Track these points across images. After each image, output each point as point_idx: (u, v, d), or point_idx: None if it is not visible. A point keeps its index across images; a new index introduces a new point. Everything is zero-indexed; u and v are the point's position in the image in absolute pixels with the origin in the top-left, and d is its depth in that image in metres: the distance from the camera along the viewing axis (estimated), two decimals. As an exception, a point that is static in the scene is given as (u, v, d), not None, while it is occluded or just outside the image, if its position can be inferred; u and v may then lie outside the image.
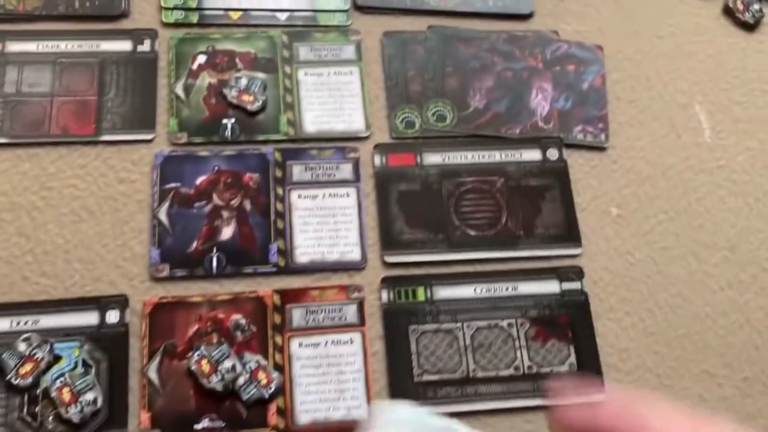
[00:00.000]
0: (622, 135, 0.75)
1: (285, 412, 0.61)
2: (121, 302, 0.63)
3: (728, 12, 0.83)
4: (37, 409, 0.59)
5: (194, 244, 0.66)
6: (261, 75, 0.73)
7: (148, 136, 0.69)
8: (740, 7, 0.82)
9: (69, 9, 0.73)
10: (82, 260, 0.65)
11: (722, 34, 0.82)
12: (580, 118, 0.75)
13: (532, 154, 0.73)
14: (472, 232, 0.69)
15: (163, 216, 0.66)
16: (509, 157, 0.73)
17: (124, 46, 0.73)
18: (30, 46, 0.72)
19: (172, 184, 0.68)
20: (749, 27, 0.82)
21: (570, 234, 0.70)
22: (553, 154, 0.73)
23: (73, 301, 0.63)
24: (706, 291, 0.70)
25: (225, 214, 0.67)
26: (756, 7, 0.82)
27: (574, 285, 0.68)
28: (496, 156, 0.72)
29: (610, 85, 0.77)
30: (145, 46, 0.73)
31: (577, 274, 0.68)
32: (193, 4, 0.75)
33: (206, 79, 0.72)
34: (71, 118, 0.69)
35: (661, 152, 0.75)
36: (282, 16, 0.76)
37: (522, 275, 0.68)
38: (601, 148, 0.74)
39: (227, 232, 0.67)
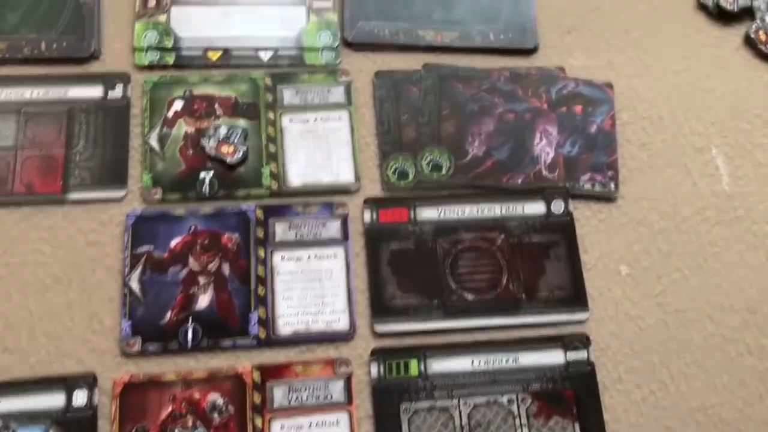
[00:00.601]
0: (632, 183, 0.70)
1: (265, 504, 0.57)
2: (89, 381, 0.59)
3: (750, 43, 0.77)
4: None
5: (168, 315, 0.61)
6: (242, 122, 0.68)
7: (119, 194, 0.65)
8: (763, 37, 0.76)
9: (35, 51, 0.68)
10: (48, 334, 0.60)
11: (743, 67, 0.76)
12: (587, 165, 0.70)
13: (536, 207, 0.68)
14: (470, 296, 0.64)
15: (134, 283, 0.62)
16: (510, 210, 0.67)
17: (95, 92, 0.68)
18: (-8, 94, 0.67)
19: (145, 248, 0.63)
20: (772, 59, 0.76)
21: (576, 296, 0.65)
22: (558, 206, 0.68)
23: (38, 382, 0.59)
24: (723, 358, 0.65)
25: (201, 280, 0.62)
26: (780, 37, 0.76)
27: (580, 354, 0.63)
28: (496, 210, 0.67)
29: (620, 127, 0.72)
30: (117, 92, 0.68)
31: (583, 342, 0.63)
32: (169, 44, 0.70)
33: (183, 127, 0.67)
34: (36, 174, 0.65)
35: (675, 202, 0.70)
36: (265, 56, 0.71)
37: (524, 345, 0.63)
38: (610, 199, 0.69)
39: (204, 301, 0.62)
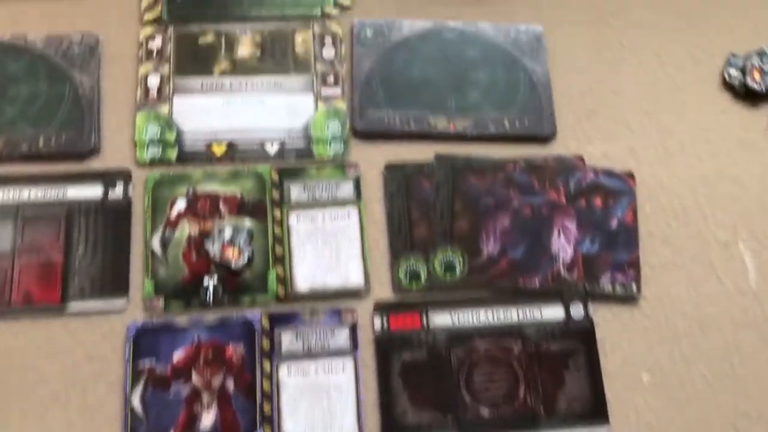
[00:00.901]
0: (654, 282, 0.67)
1: None
2: None
3: (778, 125, 0.74)
4: None
5: (171, 435, 0.59)
6: (247, 222, 0.66)
7: (120, 303, 0.63)
8: (792, 120, 0.73)
9: (33, 148, 0.66)
10: (46, 457, 0.59)
11: (771, 152, 0.73)
12: (608, 264, 0.67)
13: (554, 312, 0.65)
14: (486, 411, 0.62)
15: (136, 402, 0.60)
16: (528, 316, 0.65)
17: (94, 191, 0.65)
18: (-11, 196, 0.65)
19: (147, 362, 0.61)
20: (802, 143, 0.73)
21: (596, 409, 0.62)
22: (577, 310, 0.65)
23: None
24: (750, 475, 0.62)
25: (205, 397, 0.60)
26: (810, 119, 0.73)
27: (601, 475, 0.61)
28: (512, 315, 0.65)
29: (642, 219, 0.69)
30: (118, 192, 0.65)
31: (604, 461, 0.61)
32: (171, 138, 0.67)
33: (186, 229, 0.65)
34: (35, 283, 0.62)
35: (699, 301, 0.67)
36: (272, 149, 0.68)
37: (541, 464, 0.61)
38: (631, 300, 0.66)
39: (207, 420, 0.60)
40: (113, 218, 0.65)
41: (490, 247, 0.67)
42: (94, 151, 0.67)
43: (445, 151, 0.70)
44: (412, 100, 0.71)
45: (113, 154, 0.67)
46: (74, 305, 0.62)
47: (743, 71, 0.74)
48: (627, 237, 0.68)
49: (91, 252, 0.64)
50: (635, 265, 0.67)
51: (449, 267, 0.66)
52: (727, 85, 0.75)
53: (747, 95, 0.75)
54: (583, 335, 0.65)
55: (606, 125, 0.73)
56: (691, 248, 0.69)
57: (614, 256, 0.67)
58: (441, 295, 0.65)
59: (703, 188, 0.71)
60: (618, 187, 0.70)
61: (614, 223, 0.68)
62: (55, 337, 0.62)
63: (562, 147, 0.72)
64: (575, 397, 0.63)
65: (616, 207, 0.69)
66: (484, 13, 0.75)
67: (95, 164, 0.67)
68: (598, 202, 0.69)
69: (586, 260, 0.67)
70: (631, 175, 0.70)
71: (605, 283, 0.66)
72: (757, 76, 0.74)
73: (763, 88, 0.74)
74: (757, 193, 0.71)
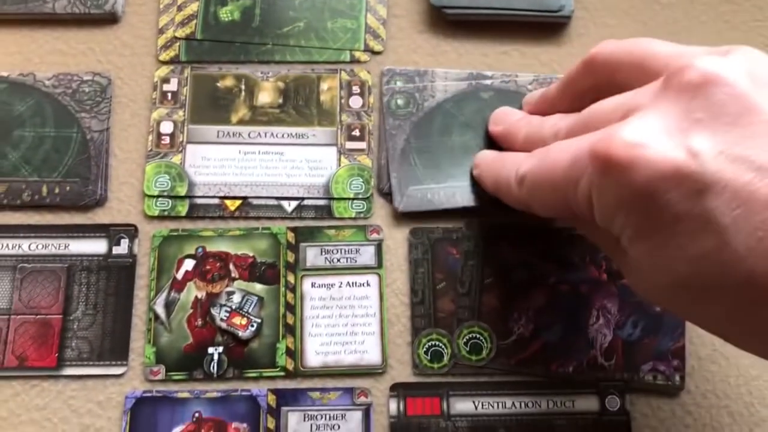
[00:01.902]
0: (700, 375, 0.62)
1: None
2: None
3: None
4: None
5: None
6: (258, 287, 0.62)
7: (119, 371, 0.60)
8: None
9: (35, 197, 0.63)
10: None
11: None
12: (650, 353, 0.62)
13: (588, 403, 0.61)
14: None
15: (129, 483, 0.57)
16: (559, 406, 0.60)
17: (98, 247, 0.62)
18: (-12, 246, 0.62)
19: (144, 438, 0.58)
20: None
21: None
22: (613, 403, 0.60)
23: None
24: None
25: (204, 480, 0.57)
26: None
27: None
28: (542, 404, 0.60)
29: (692, 302, 0.64)
30: (122, 248, 0.62)
31: None
32: (182, 191, 0.64)
33: (193, 292, 0.62)
34: (31, 345, 0.60)
35: (751, 400, 0.62)
36: (289, 207, 0.65)
37: None
38: (673, 394, 0.62)
39: (205, 506, 0.57)
40: (116, 276, 0.62)
41: (521, 327, 0.62)
42: (100, 203, 0.64)
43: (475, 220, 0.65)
44: (453, 170, 0.65)
45: (120, 205, 0.64)
46: (71, 371, 0.60)
47: None
48: (672, 322, 0.63)
49: (91, 313, 0.61)
50: (680, 354, 0.62)
51: (475, 347, 0.62)
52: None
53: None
54: (619, 430, 0.60)
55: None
56: (744, 337, 0.63)
57: (658, 343, 0.62)
58: (464, 378, 0.61)
59: (761, 269, 0.65)
60: (666, 265, 0.64)
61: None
62: (50, 404, 0.59)
63: (606, 215, 0.66)
64: (606, 502, 0.58)
65: (663, 287, 0.64)
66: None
67: (100, 216, 0.64)
68: (642, 280, 0.64)
69: (626, 347, 0.62)
70: (681, 251, 0.65)
71: (646, 373, 0.62)
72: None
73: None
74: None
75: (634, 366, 0.62)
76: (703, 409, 0.62)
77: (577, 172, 0.45)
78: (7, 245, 0.62)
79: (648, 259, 0.44)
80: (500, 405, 0.60)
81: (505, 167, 0.56)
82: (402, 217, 0.65)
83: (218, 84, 0.67)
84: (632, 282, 0.49)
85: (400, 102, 0.66)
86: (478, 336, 0.62)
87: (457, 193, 0.64)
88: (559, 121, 0.53)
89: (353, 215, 0.65)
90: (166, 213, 0.64)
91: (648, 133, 0.41)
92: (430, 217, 0.64)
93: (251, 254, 0.63)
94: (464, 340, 0.62)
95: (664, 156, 0.40)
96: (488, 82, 0.67)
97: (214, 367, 0.60)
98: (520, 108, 0.64)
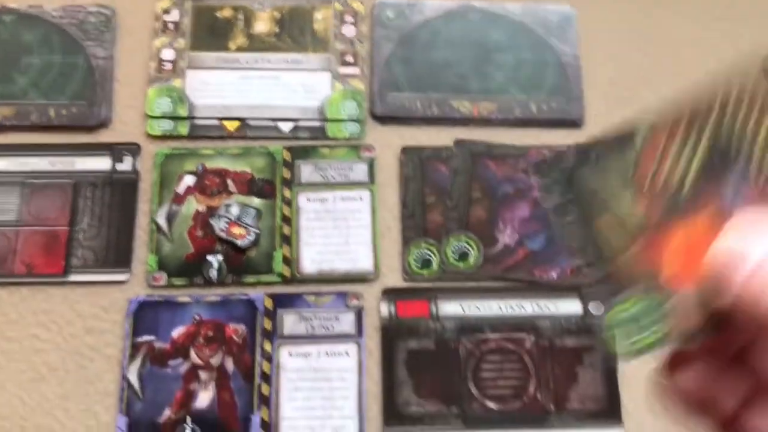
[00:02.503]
0: (682, 281, 0.65)
1: None
2: (79, 483, 0.57)
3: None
4: None
5: (166, 412, 0.59)
6: (256, 201, 0.66)
7: (123, 277, 0.63)
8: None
9: (43, 118, 0.67)
10: (40, 428, 0.59)
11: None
12: (631, 260, 0.65)
13: (571, 306, 0.64)
14: (493, 406, 0.61)
15: (133, 376, 0.60)
16: (542, 309, 0.64)
17: (102, 164, 0.66)
18: (-3, 164, 0.66)
19: (146, 337, 0.61)
20: None
21: (610, 410, 0.61)
22: (596, 307, 0.64)
23: (25, 482, 0.57)
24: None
25: (203, 375, 0.61)
26: None
27: (612, 479, 0.59)
28: (526, 307, 0.64)
29: (671, 215, 0.67)
30: (126, 165, 0.66)
31: (616, 464, 0.59)
32: (184, 113, 0.68)
33: (193, 205, 0.66)
34: (38, 253, 0.63)
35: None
36: (286, 127, 0.68)
37: (549, 464, 0.59)
38: (654, 298, 0.65)
39: (204, 398, 0.60)
40: (120, 191, 0.66)
41: (506, 236, 0.66)
42: (104, 124, 0.68)
43: (468, 136, 0.69)
44: (434, 83, 0.70)
45: (124, 127, 0.68)
46: (76, 277, 0.63)
47: (787, 63, 0.72)
48: (653, 232, 0.66)
49: (96, 224, 0.65)
50: (661, 261, 0.65)
51: (463, 255, 0.65)
52: (769, 77, 0.73)
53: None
54: (601, 333, 0.63)
55: (637, 115, 0.71)
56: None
57: (638, 251, 0.66)
58: (452, 284, 0.65)
59: (738, 184, 0.69)
60: (646, 180, 0.68)
61: (640, 216, 0.67)
62: (55, 308, 0.63)
63: (590, 136, 0.70)
64: (589, 396, 0.61)
65: (643, 200, 0.67)
66: (513, -5, 0.74)
67: (105, 136, 0.68)
68: (623, 194, 0.67)
69: (608, 255, 0.66)
70: (660, 167, 0.69)
71: (627, 279, 0.65)
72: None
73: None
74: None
75: (616, 272, 0.65)
76: (683, 313, 0.65)
77: None
78: (16, 163, 0.66)
79: None
80: (486, 308, 0.64)
81: None
82: (393, 135, 0.69)
83: (217, 14, 0.71)
84: None
85: (390, 15, 0.70)
86: (465, 245, 0.66)
87: (434, 104, 0.69)
88: None
89: (347, 136, 0.69)
90: (168, 133, 0.68)
91: None
92: (409, 124, 0.69)
93: (249, 171, 0.67)
94: (452, 248, 0.65)
95: None
96: (477, 4, 0.71)
97: (213, 274, 0.64)
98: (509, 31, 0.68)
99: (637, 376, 0.62)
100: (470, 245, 0.65)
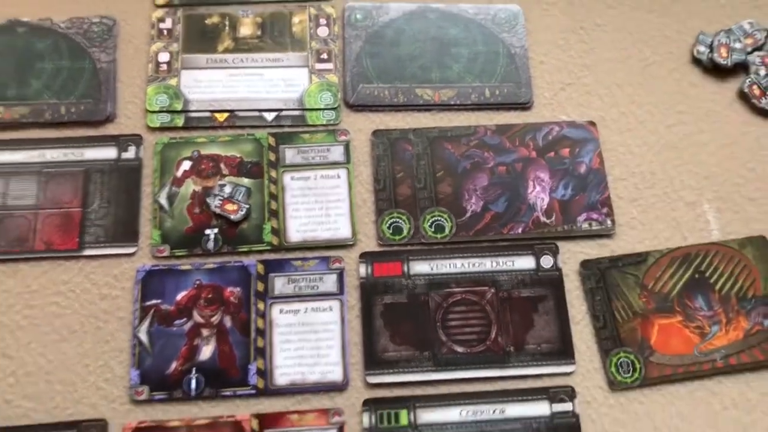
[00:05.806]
0: (622, 239, 0.77)
1: None
2: (100, 427, 0.67)
3: (744, 97, 0.83)
4: None
5: (173, 365, 0.70)
6: (246, 181, 0.77)
7: (130, 250, 0.74)
8: (756, 92, 0.82)
9: (55, 115, 0.78)
10: (63, 382, 0.69)
11: (736, 121, 0.83)
12: (582, 206, 0.77)
13: (525, 262, 0.75)
14: (460, 349, 0.71)
15: (143, 335, 0.70)
16: (501, 265, 0.75)
17: (109, 153, 0.77)
18: (16, 156, 0.76)
19: (153, 301, 0.72)
20: (767, 114, 0.82)
21: (563, 349, 0.72)
22: (547, 261, 0.75)
23: (53, 427, 0.67)
24: (707, 410, 0.71)
25: (205, 332, 0.71)
26: (774, 91, 0.83)
27: (565, 407, 0.70)
28: (486, 264, 0.75)
29: (612, 184, 0.79)
30: (130, 153, 0.77)
31: (569, 394, 0.70)
32: (179, 106, 0.79)
33: (190, 186, 0.76)
34: (55, 232, 0.74)
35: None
36: (269, 117, 0.79)
37: (510, 396, 0.70)
38: (608, 235, 0.76)
39: (206, 352, 0.70)
40: (126, 177, 0.76)
41: (472, 205, 0.77)
42: (109, 119, 0.79)
43: (431, 120, 0.80)
44: (400, 74, 0.81)
45: (127, 121, 0.79)
46: (89, 251, 0.73)
47: (711, 48, 0.84)
48: (597, 179, 0.78)
49: (105, 205, 0.75)
50: (607, 203, 0.77)
51: (439, 228, 0.76)
52: (696, 61, 0.85)
53: (714, 70, 0.84)
54: (552, 283, 0.74)
55: (579, 97, 0.83)
56: (657, 208, 0.78)
57: (587, 198, 0.77)
58: (421, 248, 0.75)
59: (670, 153, 0.81)
60: (582, 136, 0.80)
61: (583, 168, 0.79)
62: (72, 279, 0.73)
63: (538, 116, 0.82)
64: (544, 338, 0.72)
65: (583, 153, 0.79)
66: (468, -3, 0.86)
67: (110, 130, 0.79)
68: (565, 151, 0.79)
69: (562, 205, 0.77)
70: (592, 124, 0.81)
71: (582, 223, 0.76)
72: (723, 52, 0.84)
73: (729, 63, 0.83)
74: (721, 159, 0.81)
75: (572, 218, 0.76)
76: (630, 246, 0.76)
77: None
78: (33, 155, 0.77)
79: None
80: (452, 266, 0.75)
81: None
82: (365, 121, 0.80)
83: (206, 21, 0.83)
84: None
85: (359, 16, 0.82)
86: (439, 218, 0.76)
87: (400, 93, 0.80)
88: None
89: (324, 122, 0.80)
90: (166, 125, 0.79)
91: None
92: (378, 111, 0.80)
93: (239, 155, 0.78)
94: (429, 223, 0.76)
95: None
96: (434, 5, 0.84)
97: (211, 245, 0.74)
98: (464, 28, 0.81)
99: (588, 320, 0.73)
100: (444, 218, 0.76)
